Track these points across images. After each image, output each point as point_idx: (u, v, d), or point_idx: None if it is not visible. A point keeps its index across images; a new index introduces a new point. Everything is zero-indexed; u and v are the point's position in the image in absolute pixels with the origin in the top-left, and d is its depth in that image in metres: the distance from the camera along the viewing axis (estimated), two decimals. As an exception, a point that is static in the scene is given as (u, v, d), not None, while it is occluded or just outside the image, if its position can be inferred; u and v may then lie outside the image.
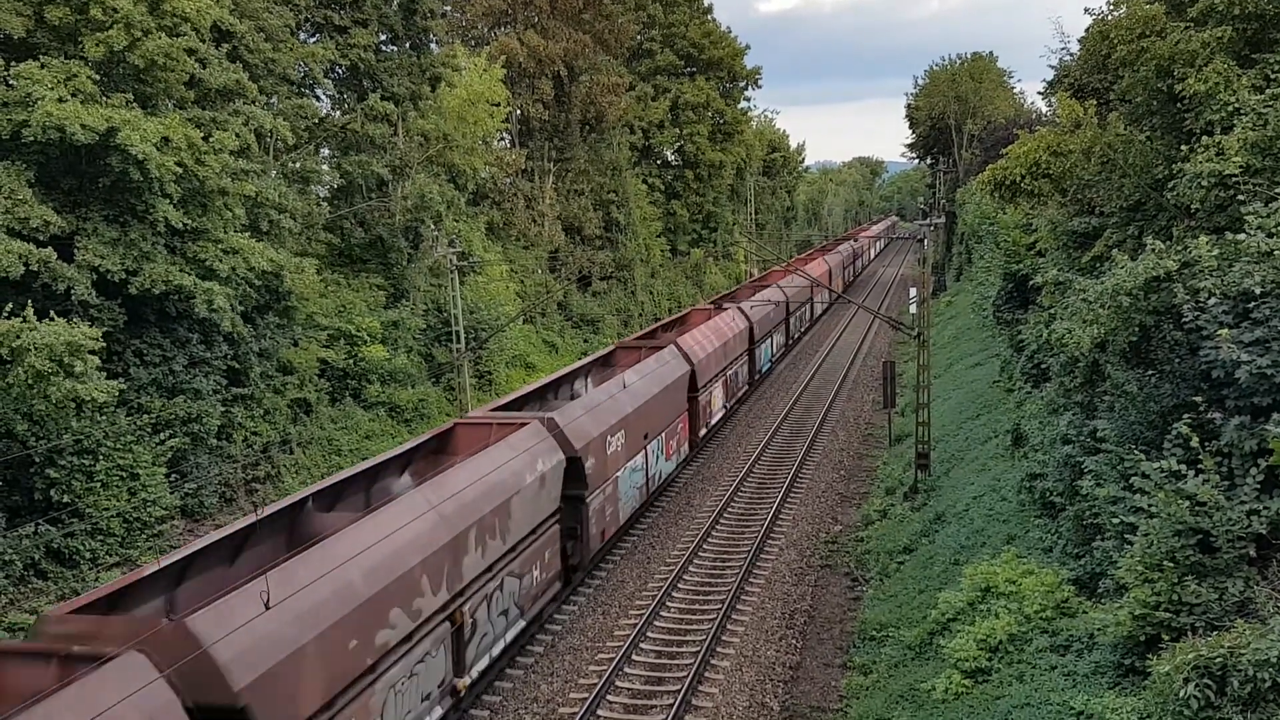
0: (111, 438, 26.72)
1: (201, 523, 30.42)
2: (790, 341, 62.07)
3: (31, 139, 24.64)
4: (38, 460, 25.40)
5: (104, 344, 24.45)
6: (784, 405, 46.37)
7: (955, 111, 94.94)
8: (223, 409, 31.43)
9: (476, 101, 51.12)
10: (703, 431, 37.59)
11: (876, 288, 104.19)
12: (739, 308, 46.81)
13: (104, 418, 26.63)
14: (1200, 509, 12.60)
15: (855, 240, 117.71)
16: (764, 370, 51.15)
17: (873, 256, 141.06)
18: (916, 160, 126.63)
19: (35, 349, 21.88)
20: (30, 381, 22.13)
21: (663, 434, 31.72)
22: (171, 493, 28.70)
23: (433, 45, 49.68)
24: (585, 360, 33.32)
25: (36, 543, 24.80)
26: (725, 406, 41.46)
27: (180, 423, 29.48)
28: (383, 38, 45.50)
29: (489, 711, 19.57)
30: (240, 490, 32.66)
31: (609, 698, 19.79)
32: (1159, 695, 11.57)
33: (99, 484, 26.34)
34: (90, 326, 23.84)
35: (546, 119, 64.32)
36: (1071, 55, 25.78)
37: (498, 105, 53.00)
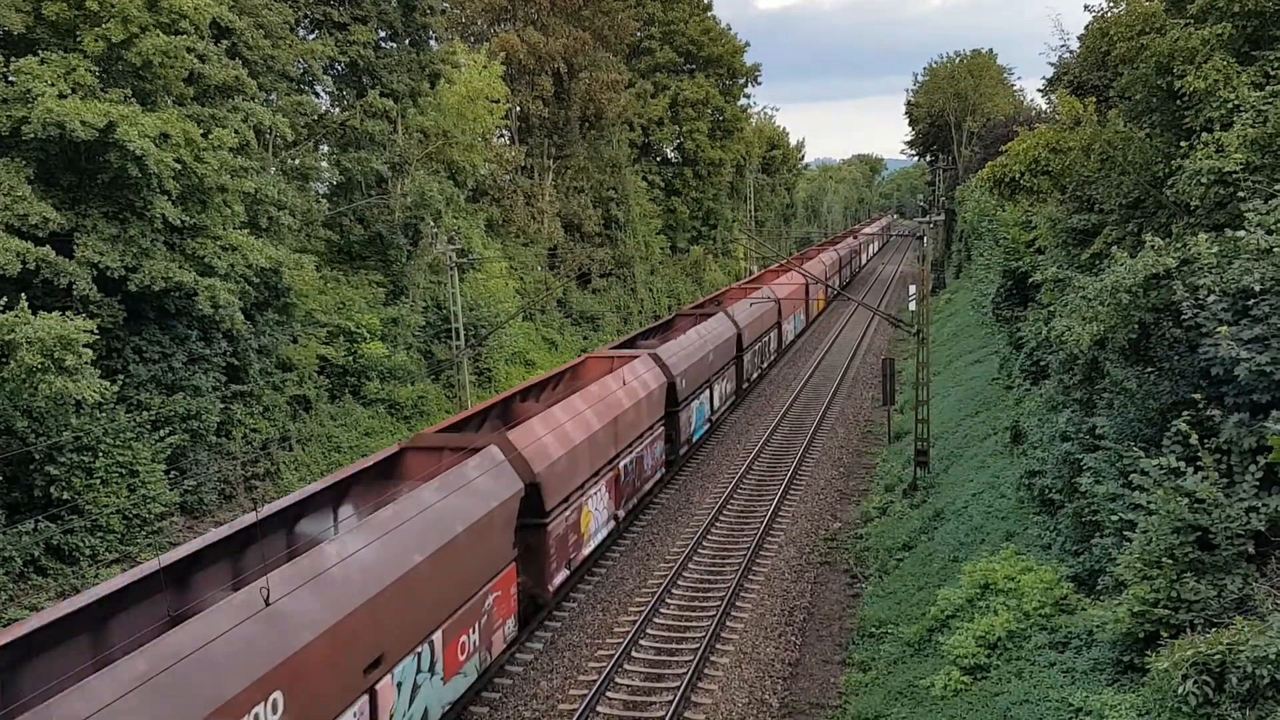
0: (111, 434, 26.71)
1: (201, 519, 30.43)
2: (744, 386, 46.88)
3: (31, 135, 24.60)
4: (37, 457, 25.39)
5: (97, 337, 24.26)
6: (784, 402, 46.37)
7: (955, 109, 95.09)
8: (222, 406, 31.43)
9: (476, 98, 51.07)
10: (558, 578, 22.92)
11: (876, 285, 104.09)
12: (652, 355, 32.56)
13: (103, 414, 26.63)
14: (1199, 506, 12.60)
15: (849, 240, 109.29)
16: (697, 437, 37.30)
17: (864, 261, 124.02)
18: (916, 158, 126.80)
19: (27, 342, 21.80)
20: (23, 376, 22.06)
21: (437, 633, 16.75)
22: (171, 489, 28.69)
23: (432, 42, 49.64)
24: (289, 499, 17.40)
25: (36, 539, 24.79)
26: (614, 517, 27.11)
27: (180, 419, 29.47)
28: (382, 34, 45.48)
29: (488, 708, 19.58)
30: (240, 487, 32.68)
31: (609, 694, 19.81)
32: (1157, 692, 11.58)
33: (98, 481, 26.34)
34: (84, 319, 23.67)
35: (546, 116, 64.29)
36: (1071, 52, 25.81)
37: (497, 102, 52.95)
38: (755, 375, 49.72)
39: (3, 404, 23.63)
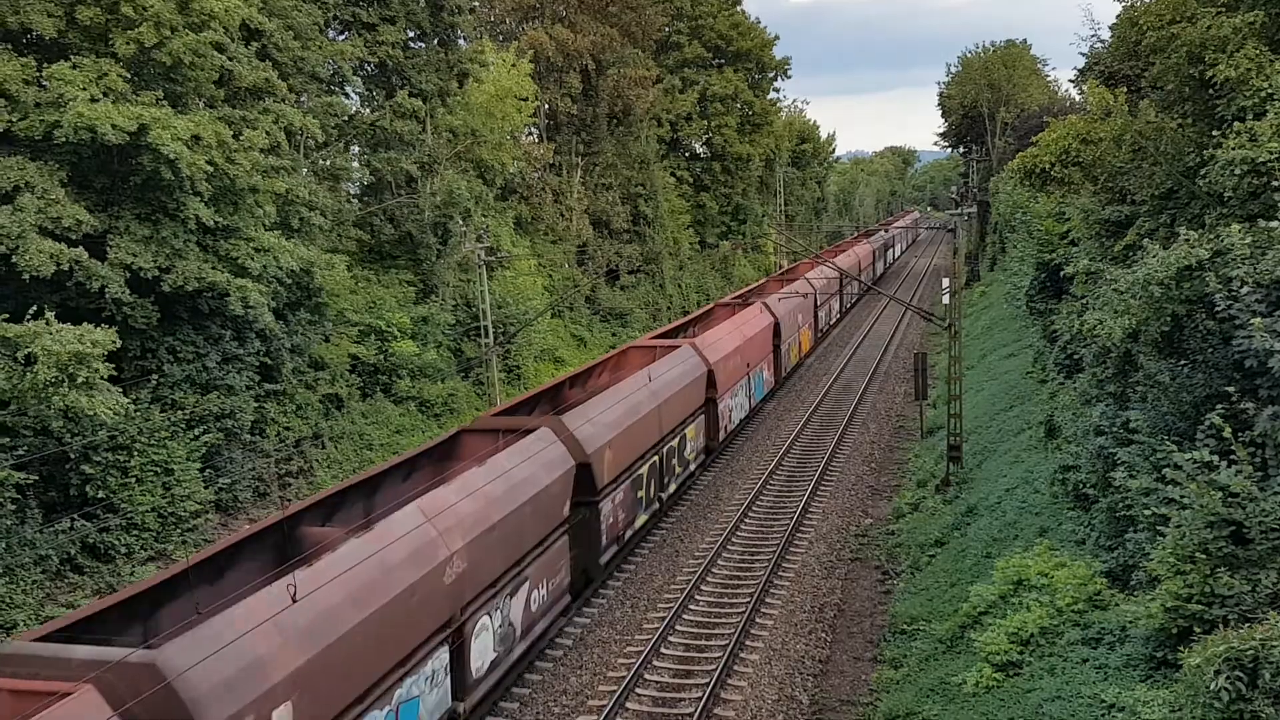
0: (145, 434, 27.02)
1: (235, 517, 30.77)
2: (622, 545, 25.93)
3: (63, 139, 24.92)
4: (73, 457, 25.73)
5: (113, 360, 24.06)
6: (814, 398, 46.19)
7: (988, 99, 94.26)
8: (255, 404, 31.76)
9: (504, 96, 51.23)
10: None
11: (909, 279, 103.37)
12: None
13: (137, 414, 26.93)
14: (1233, 500, 12.41)
15: (861, 246, 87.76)
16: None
17: (879, 272, 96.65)
18: (949, 149, 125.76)
19: (44, 353, 21.96)
20: (41, 388, 22.23)
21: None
22: (206, 487, 29.01)
23: (460, 41, 49.78)
24: None
25: (72, 538, 25.15)
26: None
27: (214, 418, 29.80)
28: (410, 34, 45.67)
29: (518, 704, 19.66)
30: (274, 485, 33.00)
31: (638, 690, 19.82)
32: (1189, 688, 11.43)
33: (133, 479, 26.66)
34: (103, 330, 23.41)
35: (574, 113, 64.36)
36: (1102, 42, 25.49)
37: (525, 100, 53.07)
38: (652, 512, 28.27)
39: (33, 409, 23.81)
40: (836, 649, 21.79)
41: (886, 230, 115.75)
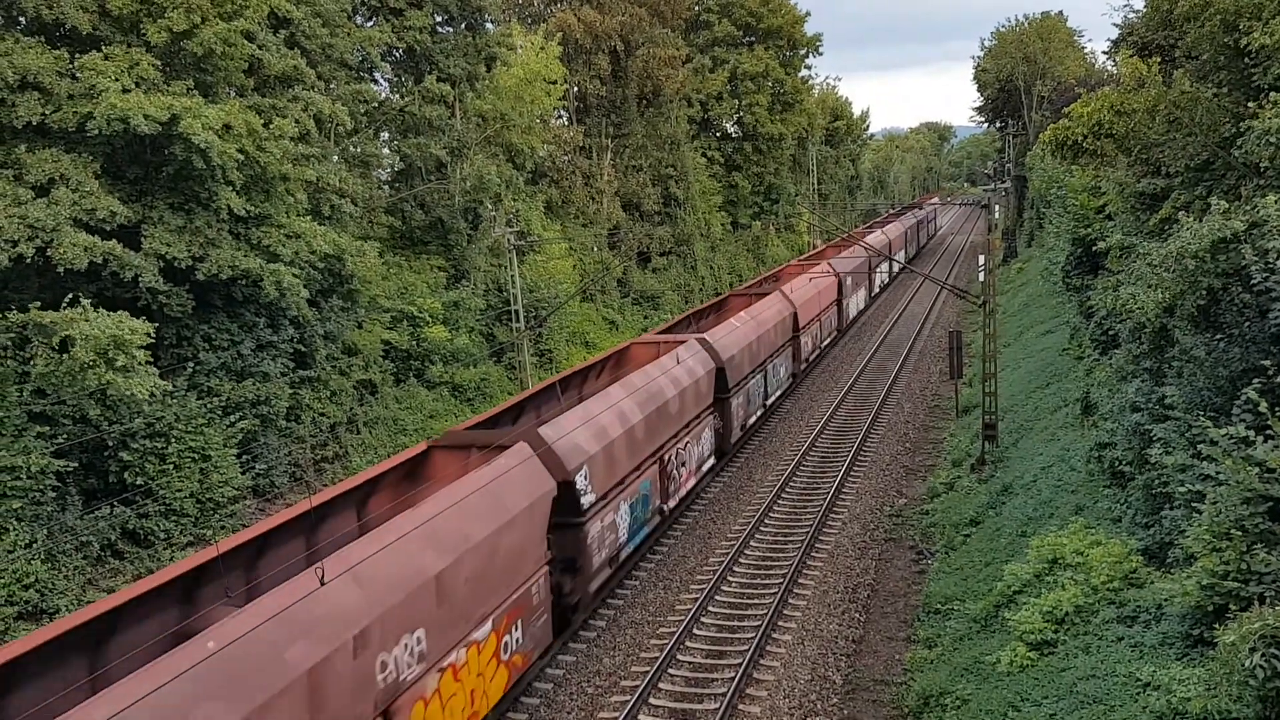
0: (182, 421, 27.34)
1: (273, 501, 31.11)
2: None
3: (96, 130, 25.15)
4: (111, 444, 26.09)
5: (151, 339, 24.62)
6: (848, 378, 45.95)
7: (1024, 73, 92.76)
8: (290, 391, 32.05)
9: (533, 80, 51.14)
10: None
11: (946, 256, 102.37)
12: None
13: (174, 401, 27.26)
14: (1269, 476, 12.21)
15: (851, 248, 61.94)
16: None
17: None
18: (985, 124, 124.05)
19: (83, 339, 22.36)
20: (78, 370, 22.64)
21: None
22: (243, 473, 29.33)
23: (488, 24, 49.70)
24: None
25: (112, 524, 25.53)
26: None
27: (250, 405, 30.10)
28: (438, 19, 45.66)
29: (552, 684, 19.77)
30: (310, 469, 33.33)
31: (670, 671, 19.87)
32: (1224, 666, 11.27)
33: (171, 466, 26.98)
34: (141, 320, 24.05)
35: (604, 95, 64.14)
36: (1136, 12, 25.05)
37: (554, 83, 52.95)
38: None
39: (68, 392, 24.19)
40: (870, 629, 21.72)
41: (921, 207, 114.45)
